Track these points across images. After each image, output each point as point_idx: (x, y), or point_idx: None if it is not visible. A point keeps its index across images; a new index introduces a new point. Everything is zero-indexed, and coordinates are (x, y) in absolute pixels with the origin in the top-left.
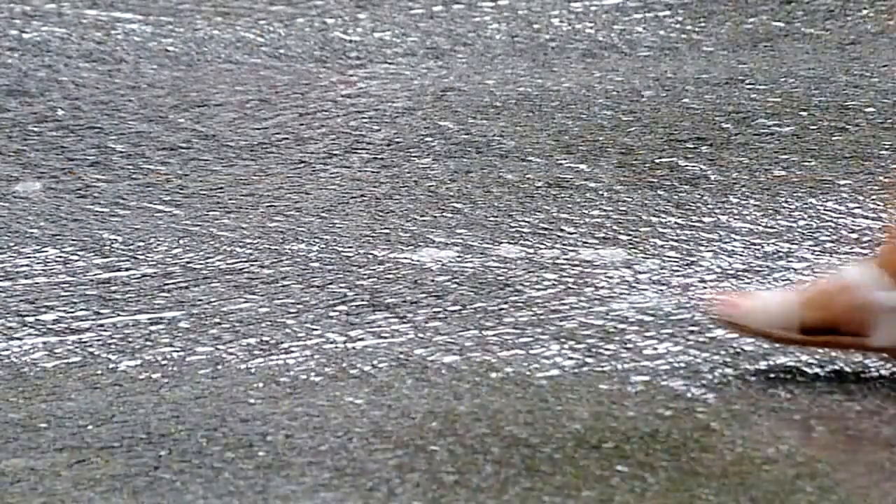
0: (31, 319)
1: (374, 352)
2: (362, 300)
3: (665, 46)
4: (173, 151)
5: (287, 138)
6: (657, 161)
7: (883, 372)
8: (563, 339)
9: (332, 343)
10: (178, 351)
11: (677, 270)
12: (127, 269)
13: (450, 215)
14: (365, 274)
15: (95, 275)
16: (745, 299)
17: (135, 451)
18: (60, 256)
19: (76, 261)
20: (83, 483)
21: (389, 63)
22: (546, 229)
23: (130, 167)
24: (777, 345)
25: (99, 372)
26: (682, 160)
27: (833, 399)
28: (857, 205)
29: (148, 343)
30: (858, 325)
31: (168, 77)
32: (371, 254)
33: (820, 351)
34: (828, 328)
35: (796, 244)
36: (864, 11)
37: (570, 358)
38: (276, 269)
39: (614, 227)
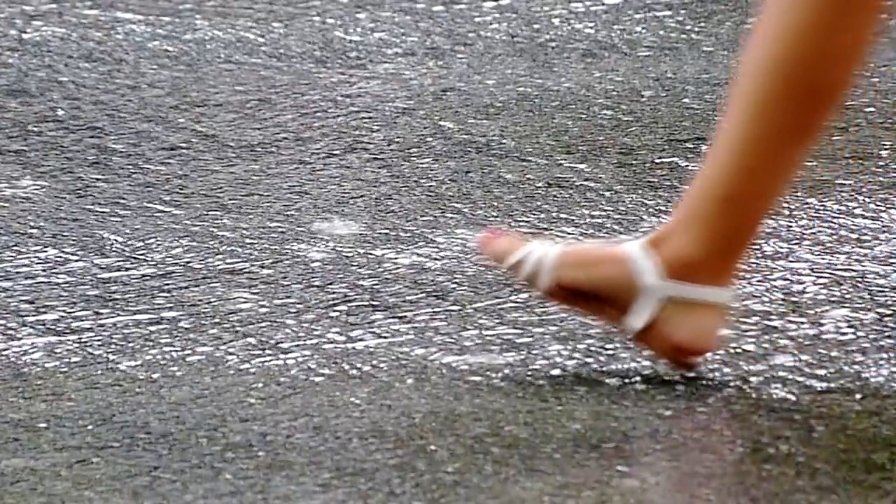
0: (31, 319)
1: (374, 352)
2: (362, 300)
3: (665, 46)
4: (173, 151)
5: (287, 138)
6: (657, 161)
7: (883, 372)
8: (563, 339)
9: (332, 343)
10: (178, 351)
11: None
12: (127, 269)
13: (450, 215)
14: (365, 274)
15: (95, 275)
16: (510, 239)
17: (135, 451)
18: (60, 256)
19: (76, 261)
20: (83, 483)
21: (389, 63)
22: (546, 229)
23: (130, 167)
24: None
25: (99, 372)
26: (682, 160)
27: (833, 399)
28: (857, 205)
29: (148, 343)
30: (617, 300)
31: (168, 77)
32: (371, 254)
33: (821, 350)
34: (584, 292)
35: (796, 244)
36: None
37: (571, 358)
38: (276, 269)
39: (614, 227)
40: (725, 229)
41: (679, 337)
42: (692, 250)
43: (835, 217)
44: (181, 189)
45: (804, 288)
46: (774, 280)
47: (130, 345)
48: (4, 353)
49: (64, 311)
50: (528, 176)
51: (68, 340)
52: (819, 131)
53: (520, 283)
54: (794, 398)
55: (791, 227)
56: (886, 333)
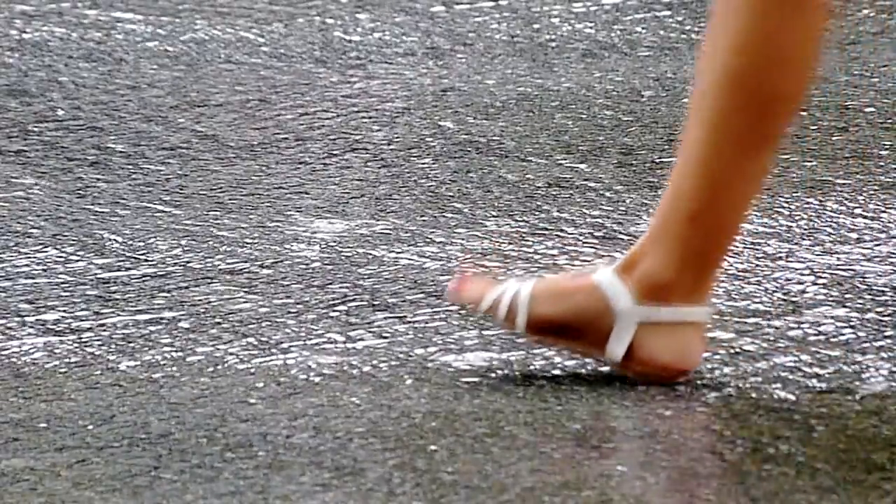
0: (31, 319)
1: (374, 352)
2: (362, 300)
3: (665, 46)
4: (173, 151)
5: (287, 138)
6: (657, 161)
7: (883, 372)
8: None
9: (332, 343)
10: (178, 351)
11: None
12: (127, 269)
13: (450, 215)
14: (365, 274)
15: (95, 275)
16: (479, 282)
17: (135, 451)
18: (60, 256)
19: (76, 261)
20: (83, 483)
21: (389, 63)
22: (546, 229)
23: (130, 167)
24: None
25: (99, 372)
26: None
27: (833, 399)
28: (857, 205)
29: (148, 343)
30: (595, 330)
31: (168, 77)
32: (371, 254)
33: (821, 350)
34: (561, 326)
35: (796, 244)
36: (865, 11)
37: (571, 358)
38: (275, 269)
39: (614, 227)
40: (695, 247)
41: (662, 358)
42: (664, 271)
43: (835, 217)
44: (181, 189)
45: (804, 288)
46: (774, 280)
47: (130, 345)
48: (4, 353)
49: (64, 311)
50: (528, 176)
51: (68, 340)
52: (780, 139)
53: (498, 325)
54: (794, 398)
55: (791, 227)
56: (886, 333)
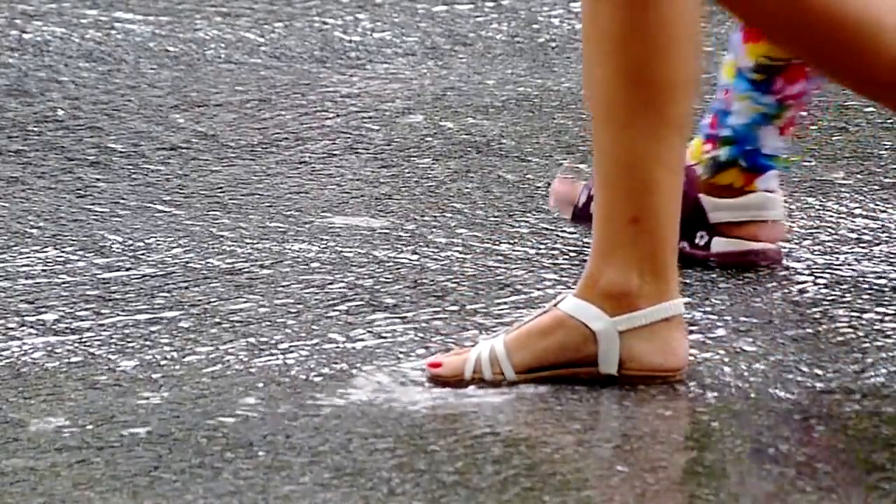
0: (31, 319)
1: (374, 352)
2: (362, 300)
3: None
4: (173, 151)
5: (287, 138)
6: None
7: (883, 372)
8: None
9: (332, 343)
10: (178, 351)
11: None
12: (127, 269)
13: (450, 215)
14: (365, 274)
15: (95, 275)
16: (451, 357)
17: (135, 451)
18: (60, 256)
19: (76, 261)
20: (83, 483)
21: (389, 63)
22: (546, 229)
23: (130, 167)
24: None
25: (99, 372)
26: None
27: (833, 399)
28: (857, 205)
29: (148, 343)
30: (581, 358)
31: (168, 77)
32: (371, 254)
33: (821, 350)
34: (547, 365)
35: (796, 244)
36: None
37: None
38: (276, 269)
39: None
40: (646, 248)
41: (653, 361)
42: (625, 280)
43: (835, 217)
44: (181, 189)
45: (804, 288)
46: (774, 280)
47: (130, 345)
48: (4, 353)
49: (64, 311)
50: (528, 176)
51: (68, 340)
52: (690, 120)
53: (489, 383)
54: (794, 398)
55: (791, 227)
56: (886, 333)
